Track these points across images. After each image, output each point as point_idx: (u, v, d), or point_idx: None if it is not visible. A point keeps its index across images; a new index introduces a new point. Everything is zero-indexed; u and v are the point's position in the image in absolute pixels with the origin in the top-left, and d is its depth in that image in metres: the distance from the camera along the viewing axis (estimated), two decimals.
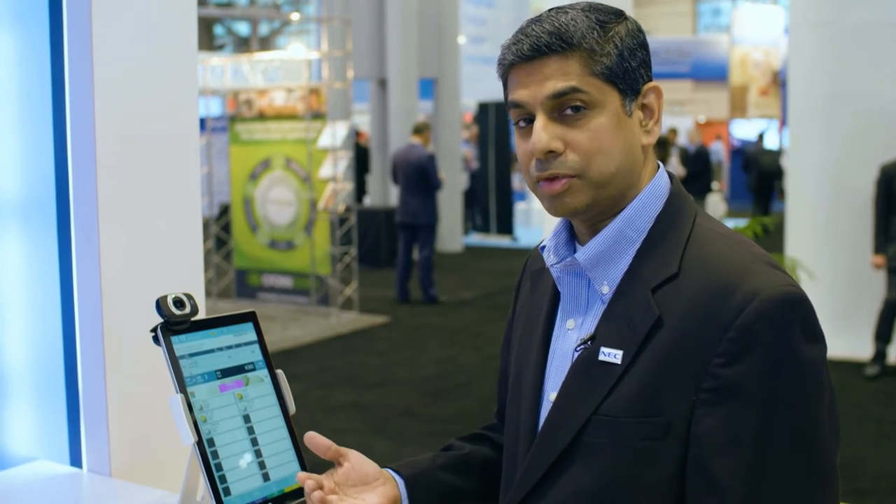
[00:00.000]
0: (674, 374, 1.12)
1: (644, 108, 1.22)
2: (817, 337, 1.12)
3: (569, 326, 1.26)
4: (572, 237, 1.29)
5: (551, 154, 1.17)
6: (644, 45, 1.23)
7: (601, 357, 1.17)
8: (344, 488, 1.28)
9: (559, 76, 1.16)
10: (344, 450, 1.31)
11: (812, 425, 1.10)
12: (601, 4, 1.22)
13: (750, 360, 1.08)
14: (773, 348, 1.08)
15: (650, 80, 1.23)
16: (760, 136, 16.24)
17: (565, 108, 1.17)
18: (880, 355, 6.61)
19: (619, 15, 1.22)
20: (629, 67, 1.19)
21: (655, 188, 1.23)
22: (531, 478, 1.23)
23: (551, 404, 1.23)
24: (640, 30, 1.23)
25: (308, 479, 1.24)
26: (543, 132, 1.17)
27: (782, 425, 1.08)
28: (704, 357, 1.10)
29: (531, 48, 1.17)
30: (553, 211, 1.21)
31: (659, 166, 1.27)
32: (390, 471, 1.35)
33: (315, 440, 1.29)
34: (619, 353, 1.16)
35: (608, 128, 1.17)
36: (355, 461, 1.30)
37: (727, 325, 1.09)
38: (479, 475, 1.44)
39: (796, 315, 1.10)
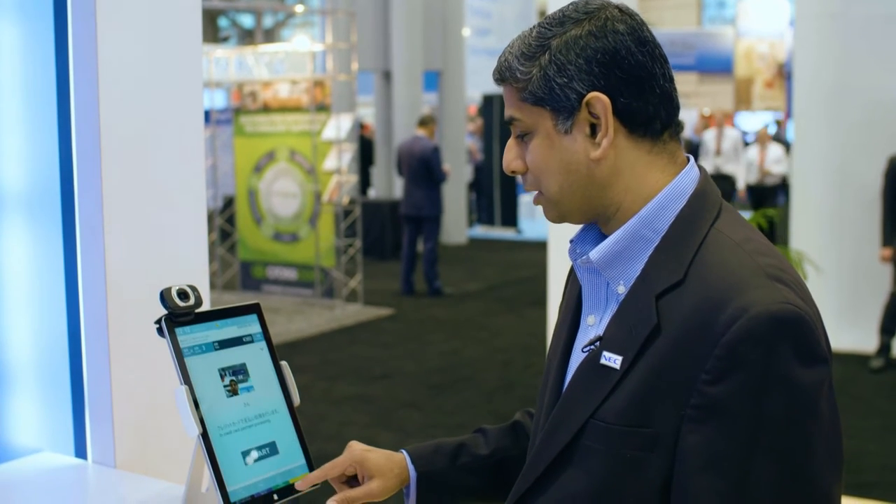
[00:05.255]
0: (665, 385, 1.09)
1: (593, 118, 1.16)
2: (815, 359, 1.06)
3: (589, 322, 1.25)
4: (602, 232, 1.27)
5: (515, 173, 1.24)
6: (588, 53, 1.15)
7: (602, 361, 1.16)
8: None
9: (508, 104, 1.23)
10: (346, 463, 1.36)
11: (801, 452, 1.05)
12: (566, 8, 1.18)
13: (734, 380, 1.05)
14: (759, 369, 1.04)
15: (597, 89, 1.15)
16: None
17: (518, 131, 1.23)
18: (885, 348, 6.60)
19: (575, 21, 1.16)
20: (555, 85, 1.15)
21: (677, 186, 1.19)
22: (532, 474, 1.23)
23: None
24: (595, 35, 1.15)
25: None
26: (508, 153, 1.24)
27: (766, 450, 1.04)
28: (694, 372, 1.07)
29: (494, 78, 1.25)
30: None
31: (689, 160, 1.22)
32: (407, 459, 1.40)
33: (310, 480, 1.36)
34: (619, 358, 1.14)
35: (541, 149, 1.20)
36: (365, 469, 1.37)
37: (716, 342, 1.06)
38: (496, 477, 1.45)
39: (787, 335, 1.05)
